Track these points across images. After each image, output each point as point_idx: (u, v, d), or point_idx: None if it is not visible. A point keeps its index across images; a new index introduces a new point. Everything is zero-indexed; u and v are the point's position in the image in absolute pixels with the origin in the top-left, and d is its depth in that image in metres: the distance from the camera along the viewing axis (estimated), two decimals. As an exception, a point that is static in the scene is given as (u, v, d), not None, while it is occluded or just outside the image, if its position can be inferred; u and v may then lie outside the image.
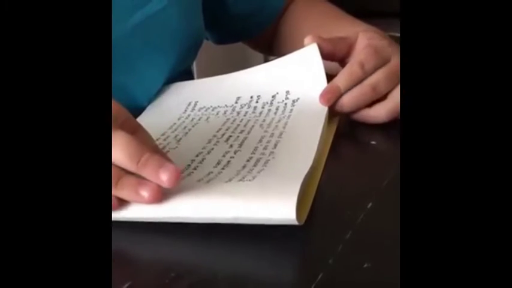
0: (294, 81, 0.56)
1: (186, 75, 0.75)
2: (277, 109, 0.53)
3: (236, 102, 0.56)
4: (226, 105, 0.56)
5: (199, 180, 0.41)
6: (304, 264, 0.34)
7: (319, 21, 0.76)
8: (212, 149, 0.47)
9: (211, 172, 0.42)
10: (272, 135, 0.48)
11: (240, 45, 0.93)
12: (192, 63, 0.77)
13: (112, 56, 0.50)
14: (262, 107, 0.54)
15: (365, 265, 0.33)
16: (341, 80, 0.55)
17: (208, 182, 0.40)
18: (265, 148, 0.46)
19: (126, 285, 0.33)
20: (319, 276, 0.33)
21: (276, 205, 0.35)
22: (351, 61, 0.57)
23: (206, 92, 0.60)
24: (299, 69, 0.56)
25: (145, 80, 0.64)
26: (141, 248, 0.38)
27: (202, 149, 0.47)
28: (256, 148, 0.46)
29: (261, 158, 0.44)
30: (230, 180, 0.40)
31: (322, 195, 0.43)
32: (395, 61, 0.56)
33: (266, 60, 1.67)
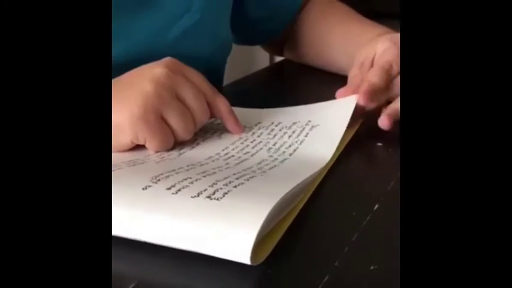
0: (318, 113, 0.56)
1: (218, 82, 0.76)
2: (293, 132, 0.53)
3: (256, 125, 0.56)
4: (245, 126, 0.55)
5: (169, 188, 0.38)
6: (310, 266, 0.34)
7: (337, 23, 0.76)
8: (207, 163, 0.45)
9: (189, 178, 0.40)
10: (274, 160, 0.47)
11: (245, 47, 0.93)
12: (223, 68, 0.78)
13: None
14: (280, 130, 0.54)
15: (371, 267, 0.33)
16: (375, 76, 0.54)
17: (176, 193, 0.37)
18: (259, 169, 0.44)
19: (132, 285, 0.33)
20: (325, 279, 0.32)
21: (232, 245, 0.33)
22: (379, 61, 0.56)
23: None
24: (327, 108, 0.56)
25: None
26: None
27: (197, 162, 0.45)
28: (250, 167, 0.44)
29: (246, 174, 0.42)
30: (198, 195, 0.37)
31: (328, 197, 0.43)
32: None
33: (272, 62, 1.67)
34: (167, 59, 0.51)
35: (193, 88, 0.49)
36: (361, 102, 0.53)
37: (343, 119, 0.53)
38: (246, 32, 0.83)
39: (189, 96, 0.49)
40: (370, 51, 0.59)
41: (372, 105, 0.54)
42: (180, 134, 0.49)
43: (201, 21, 0.66)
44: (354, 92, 0.55)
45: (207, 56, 0.69)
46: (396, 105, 0.54)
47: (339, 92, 0.57)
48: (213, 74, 0.72)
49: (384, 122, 0.52)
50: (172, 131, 0.48)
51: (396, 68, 0.55)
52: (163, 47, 0.63)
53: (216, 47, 0.71)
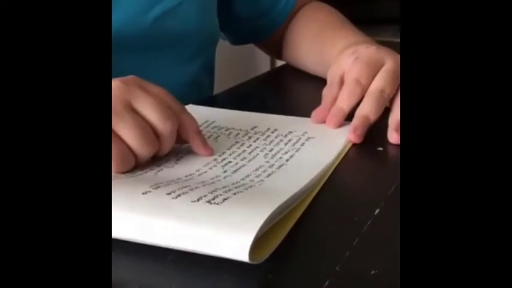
0: (315, 127, 0.56)
1: (207, 71, 0.76)
2: (289, 141, 0.53)
3: (252, 129, 0.55)
4: (240, 129, 0.55)
5: (169, 193, 0.38)
6: (311, 271, 0.34)
7: (318, 30, 0.77)
8: (205, 172, 0.45)
9: (188, 186, 0.40)
10: (271, 166, 0.47)
11: (248, 48, 0.94)
12: (212, 59, 0.78)
13: (132, 50, 0.50)
14: (276, 137, 0.54)
15: (372, 272, 0.33)
16: (343, 101, 0.56)
17: (176, 197, 0.38)
18: (257, 176, 0.44)
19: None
20: (326, 283, 0.32)
21: (230, 244, 0.33)
22: (346, 81, 0.57)
23: (226, 115, 0.59)
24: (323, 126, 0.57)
25: (164, 72, 0.64)
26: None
27: (196, 171, 0.45)
28: (248, 175, 0.44)
29: (245, 183, 0.42)
30: (198, 200, 0.37)
31: (329, 202, 0.43)
32: (390, 63, 0.57)
33: (272, 64, 1.68)
34: (129, 76, 0.47)
35: (152, 98, 0.45)
36: (330, 127, 0.55)
37: (338, 139, 0.53)
38: (236, 30, 0.84)
39: (146, 107, 0.44)
40: (338, 70, 0.60)
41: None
42: (136, 148, 0.44)
43: (183, 4, 0.66)
44: (327, 113, 0.56)
45: (189, 42, 0.69)
46: (398, 116, 0.54)
47: (314, 113, 0.57)
48: (201, 64, 0.72)
49: (394, 137, 0.52)
50: (127, 146, 0.43)
51: (364, 81, 0.56)
52: (142, 27, 0.63)
53: (200, 34, 0.71)
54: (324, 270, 0.34)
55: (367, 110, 0.54)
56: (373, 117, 0.54)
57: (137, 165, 0.45)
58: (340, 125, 0.55)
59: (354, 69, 0.57)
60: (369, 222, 0.39)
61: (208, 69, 0.78)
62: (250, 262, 0.33)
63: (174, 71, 0.68)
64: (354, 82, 0.56)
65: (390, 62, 0.57)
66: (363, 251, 0.36)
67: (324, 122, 0.56)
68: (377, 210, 0.40)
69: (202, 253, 0.34)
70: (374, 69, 0.57)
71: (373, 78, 0.56)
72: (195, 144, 0.48)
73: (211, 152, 0.49)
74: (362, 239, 0.37)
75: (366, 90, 0.56)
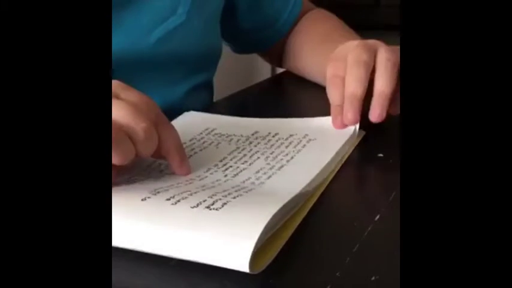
0: (316, 128, 0.56)
1: (207, 88, 0.77)
2: (290, 143, 0.53)
3: (252, 135, 0.56)
4: (241, 135, 0.55)
5: (168, 199, 0.38)
6: (311, 276, 0.34)
7: (321, 38, 0.77)
8: (206, 177, 0.45)
9: (188, 191, 0.40)
10: (272, 167, 0.47)
11: (249, 55, 0.94)
12: (213, 75, 0.78)
13: (135, 70, 0.50)
14: (277, 141, 0.54)
15: (372, 278, 0.33)
16: (355, 87, 0.54)
17: (175, 203, 0.38)
18: (257, 179, 0.45)
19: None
20: (327, 289, 0.33)
21: (229, 255, 0.33)
22: (349, 64, 0.55)
23: (227, 122, 0.60)
24: (324, 124, 0.57)
25: (167, 92, 0.64)
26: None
27: (196, 176, 0.46)
28: (249, 178, 0.45)
29: (246, 187, 0.42)
30: (197, 205, 0.37)
31: (329, 208, 0.43)
32: (382, 48, 0.56)
33: (273, 72, 1.68)
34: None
35: (124, 104, 0.41)
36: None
37: (340, 136, 0.53)
38: (239, 40, 0.85)
39: (117, 112, 0.40)
40: (343, 51, 0.59)
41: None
42: None
43: (187, 24, 0.66)
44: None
45: (193, 60, 0.69)
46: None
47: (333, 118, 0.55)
48: (201, 80, 0.72)
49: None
50: None
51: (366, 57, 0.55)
52: (145, 48, 0.63)
53: (203, 52, 0.71)
54: (324, 276, 0.34)
55: (383, 84, 0.53)
56: (388, 90, 0.53)
57: (117, 170, 0.42)
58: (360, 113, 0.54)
59: (355, 52, 0.56)
60: (369, 229, 0.39)
61: (208, 85, 0.78)
62: (250, 272, 0.33)
63: (174, 88, 0.68)
64: (358, 63, 0.55)
65: (382, 48, 0.56)
66: (363, 257, 0.36)
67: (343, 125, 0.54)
68: (377, 217, 0.40)
69: (202, 262, 0.34)
70: (373, 51, 0.56)
71: (375, 53, 0.55)
72: (171, 161, 0.45)
73: (187, 171, 0.45)
74: (362, 245, 0.37)
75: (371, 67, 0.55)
